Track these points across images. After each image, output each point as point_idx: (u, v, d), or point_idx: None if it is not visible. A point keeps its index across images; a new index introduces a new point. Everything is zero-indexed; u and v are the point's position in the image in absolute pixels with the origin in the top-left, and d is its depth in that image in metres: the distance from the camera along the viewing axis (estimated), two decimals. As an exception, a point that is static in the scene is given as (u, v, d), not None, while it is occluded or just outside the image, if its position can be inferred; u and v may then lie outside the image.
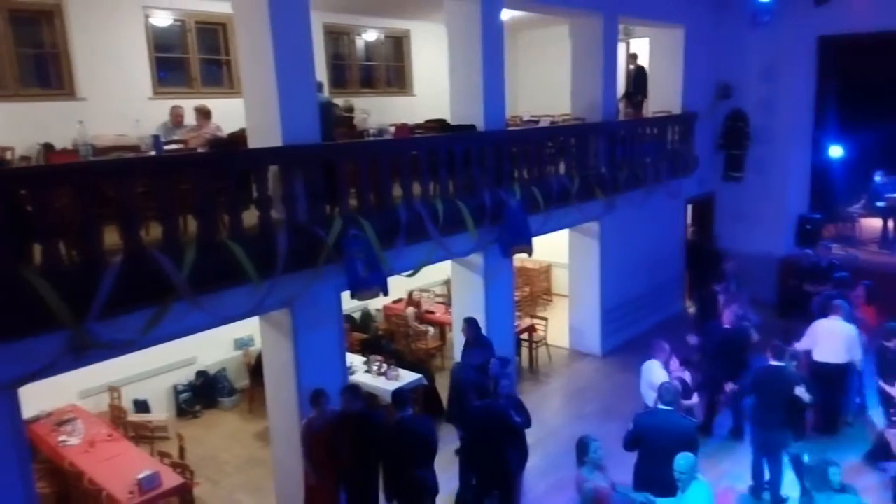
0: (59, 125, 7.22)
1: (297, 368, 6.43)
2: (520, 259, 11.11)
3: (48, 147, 6.58)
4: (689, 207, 13.71)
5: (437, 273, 11.37)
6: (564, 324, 11.50)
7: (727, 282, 10.01)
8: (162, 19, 8.88)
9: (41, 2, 7.75)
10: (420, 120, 9.20)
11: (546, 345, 11.00)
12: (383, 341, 10.42)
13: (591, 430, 7.54)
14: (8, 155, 6.50)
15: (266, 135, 6.09)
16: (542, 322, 10.97)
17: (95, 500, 6.28)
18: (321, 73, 8.26)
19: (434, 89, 11.38)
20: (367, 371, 8.88)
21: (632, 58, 12.51)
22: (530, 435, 6.74)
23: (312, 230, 6.01)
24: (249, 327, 8.71)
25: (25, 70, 7.86)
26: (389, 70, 12.31)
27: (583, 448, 5.48)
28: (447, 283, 11.78)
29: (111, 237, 4.92)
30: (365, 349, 9.84)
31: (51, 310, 4.31)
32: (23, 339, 4.34)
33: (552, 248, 11.47)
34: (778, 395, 6.59)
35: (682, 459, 5.01)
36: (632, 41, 13.31)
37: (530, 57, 14.26)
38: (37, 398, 7.01)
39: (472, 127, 8.17)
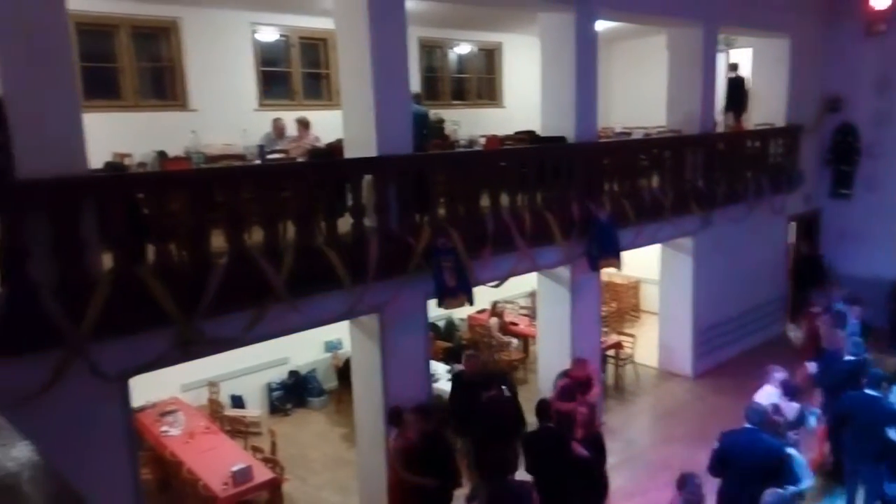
0: (172, 134, 7.74)
1: (383, 372, 6.56)
2: (608, 273, 10.88)
3: (162, 154, 7.08)
4: (793, 225, 13.00)
5: (522, 285, 11.30)
6: (653, 342, 11.15)
7: (833, 301, 9.39)
8: (268, 35, 9.36)
9: (160, 18, 8.34)
10: (510, 131, 9.23)
11: (633, 363, 10.70)
12: (467, 351, 10.46)
13: (681, 455, 7.30)
14: (126, 161, 7.03)
15: (362, 145, 6.29)
16: (630, 339, 10.69)
17: (193, 489, 6.63)
18: (415, 85, 8.45)
19: (524, 101, 11.37)
20: (449, 380, 8.93)
21: (731, 68, 12.04)
22: (614, 454, 6.56)
23: (403, 238, 6.15)
24: (339, 331, 8.97)
25: (144, 82, 8.50)
26: (480, 82, 12.42)
27: (682, 484, 5.29)
28: (532, 295, 11.69)
29: (217, 240, 5.23)
30: (448, 358, 9.91)
31: (162, 307, 4.62)
32: (136, 334, 4.67)
33: (642, 263, 11.17)
34: (871, 427, 6.12)
35: (769, 497, 4.75)
36: (732, 51, 12.81)
37: (624, 68, 14.00)
38: (143, 390, 7.50)
39: (562, 139, 8.11)
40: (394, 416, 6.27)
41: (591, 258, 8.07)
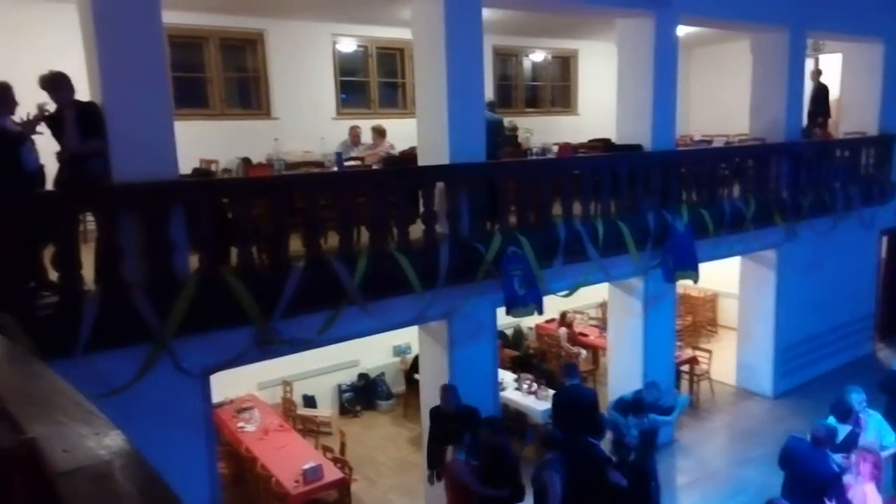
0: (255, 141, 8.08)
1: (451, 379, 6.59)
2: (683, 286, 10.54)
3: (246, 161, 7.38)
4: (885, 239, 12.22)
5: (592, 295, 11.11)
6: (731, 359, 10.71)
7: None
8: (347, 45, 9.62)
9: (247, 30, 8.73)
10: (584, 139, 9.11)
11: (709, 379, 10.32)
12: (535, 360, 10.38)
13: (757, 478, 6.97)
14: (213, 167, 7.38)
15: (435, 153, 6.37)
16: (706, 354, 10.31)
17: (266, 484, 6.85)
18: (489, 93, 8.51)
19: (599, 109, 11.22)
20: (517, 388, 8.88)
21: (815, 74, 11.48)
22: (686, 473, 6.35)
23: (473, 245, 6.18)
24: (407, 335, 9.08)
25: (230, 92, 8.90)
26: (555, 90, 12.33)
27: None
28: (603, 305, 11.48)
29: (295, 244, 5.41)
30: (516, 366, 9.86)
31: (242, 307, 4.82)
32: (218, 332, 4.89)
33: (720, 275, 10.76)
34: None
35: None
36: (821, 56, 12.21)
37: (704, 74, 13.58)
38: (222, 386, 7.82)
39: (637, 147, 7.95)
40: None
41: (667, 270, 7.85)
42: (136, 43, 4.56)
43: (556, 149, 8.40)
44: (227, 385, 7.98)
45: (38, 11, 6.88)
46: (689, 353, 10.25)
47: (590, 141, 8.70)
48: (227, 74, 8.81)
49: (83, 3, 4.68)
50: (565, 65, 12.37)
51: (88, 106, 4.62)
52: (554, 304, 10.02)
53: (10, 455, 1.63)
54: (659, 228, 7.65)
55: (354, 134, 8.62)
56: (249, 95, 9.06)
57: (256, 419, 7.99)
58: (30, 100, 4.67)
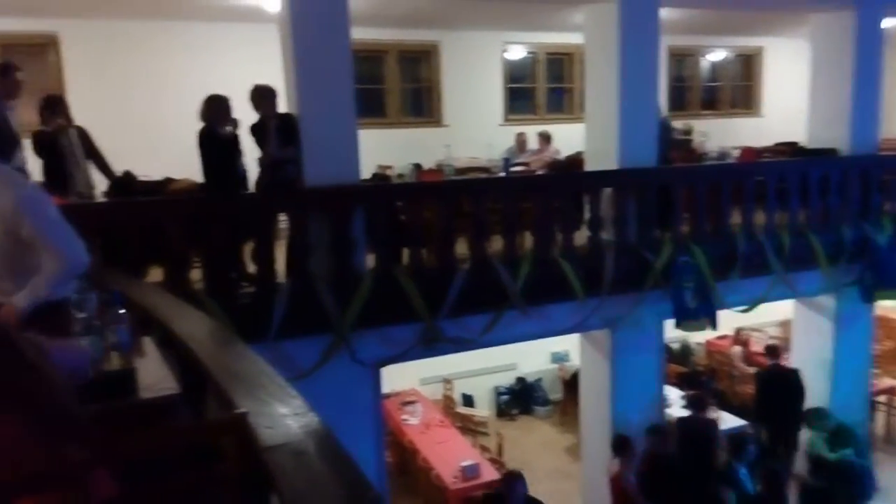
0: (427, 148, 8.43)
1: (612, 390, 6.43)
2: (883, 307, 9.37)
3: (418, 166, 7.75)
4: None
5: (773, 312, 10.22)
6: (942, 392, 9.33)
7: None
8: (516, 53, 9.74)
9: (424, 42, 9.16)
10: (768, 143, 8.44)
11: (912, 413, 9.08)
12: (704, 378, 9.77)
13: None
14: (388, 173, 7.83)
15: (603, 158, 6.25)
16: (909, 385, 9.08)
17: (426, 476, 7.13)
18: (662, 95, 8.17)
19: (786, 110, 10.32)
20: (683, 406, 8.41)
21: None
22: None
23: (641, 253, 5.98)
24: (567, 342, 8.98)
25: (405, 101, 9.38)
26: (735, 90, 11.53)
27: None
28: (784, 324, 10.51)
29: (461, 247, 5.58)
30: (682, 383, 9.34)
31: (413, 305, 5.07)
32: (389, 327, 5.19)
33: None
34: None
35: None
36: None
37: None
38: (388, 378, 8.25)
39: (832, 151, 7.21)
40: (619, 445, 6.08)
41: (865, 288, 7.04)
42: (328, 58, 4.99)
43: (736, 153, 7.86)
44: (392, 378, 8.41)
45: (241, 31, 7.70)
46: (887, 382, 9.09)
47: (776, 144, 8.05)
48: (404, 85, 9.29)
49: (284, 24, 5.20)
50: (748, 64, 11.52)
51: (287, 117, 5.13)
52: (728, 320, 9.38)
53: (224, 427, 1.87)
54: (856, 242, 6.88)
55: (521, 140, 8.70)
56: (422, 105, 9.49)
57: (419, 413, 8.33)
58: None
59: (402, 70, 9.20)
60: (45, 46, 7.36)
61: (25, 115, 5.22)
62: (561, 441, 9.20)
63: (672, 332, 6.89)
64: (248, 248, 5.04)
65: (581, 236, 5.99)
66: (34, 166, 5.15)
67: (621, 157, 6.11)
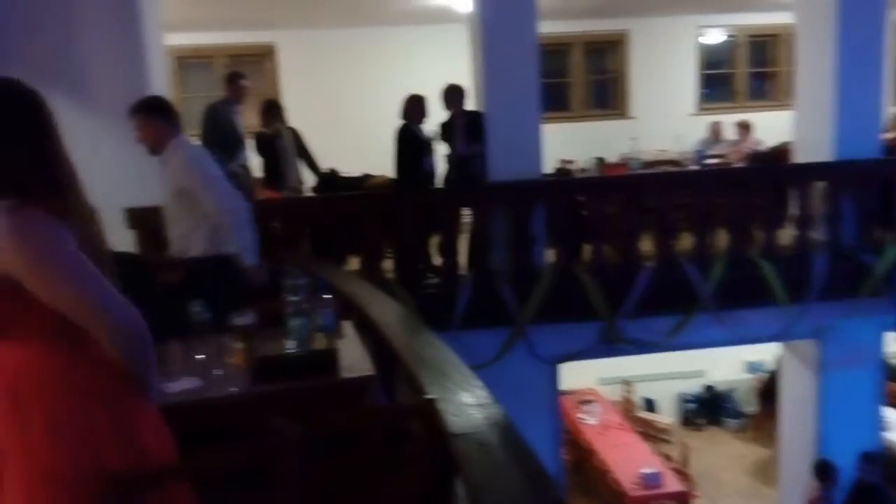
0: (611, 141, 8.19)
1: (818, 408, 5.78)
2: None
3: (601, 160, 7.56)
4: None
5: None
6: None
7: None
8: (714, 37, 9.10)
9: (611, 32, 8.89)
10: None
11: None
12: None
13: None
14: (570, 167, 7.73)
15: (814, 148, 5.63)
16: None
17: (602, 478, 6.97)
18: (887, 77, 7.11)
19: None
20: (906, 432, 7.35)
21: None
22: None
23: (858, 256, 5.30)
24: (764, 352, 8.26)
25: (589, 94, 9.18)
26: None
27: None
28: None
29: (645, 244, 5.35)
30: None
31: (593, 303, 4.97)
32: (567, 324, 5.11)
33: None
34: None
35: None
36: None
37: None
38: (565, 375, 8.16)
39: None
40: (822, 471, 5.47)
41: None
42: (515, 54, 5.03)
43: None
44: (570, 375, 8.31)
45: (433, 32, 8.02)
46: None
47: None
48: (589, 77, 9.11)
49: (473, 22, 5.34)
50: None
51: (475, 114, 5.28)
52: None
53: (414, 410, 1.97)
54: None
55: (715, 129, 8.13)
56: (607, 96, 9.23)
57: (597, 413, 8.15)
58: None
59: (587, 62, 9.02)
60: (263, 56, 8.28)
61: (248, 118, 5.90)
62: (752, 458, 8.48)
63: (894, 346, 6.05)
64: (434, 241, 5.28)
65: (784, 235, 5.46)
66: (255, 164, 5.83)
67: (837, 147, 5.46)
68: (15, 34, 4.33)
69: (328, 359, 2.19)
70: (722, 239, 5.47)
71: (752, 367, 9.50)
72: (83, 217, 1.46)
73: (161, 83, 4.82)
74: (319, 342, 2.40)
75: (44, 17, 4.34)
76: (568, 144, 8.18)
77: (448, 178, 5.43)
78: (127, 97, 3.14)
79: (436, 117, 5.57)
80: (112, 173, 3.33)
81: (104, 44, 4.44)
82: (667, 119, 8.78)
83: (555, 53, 8.87)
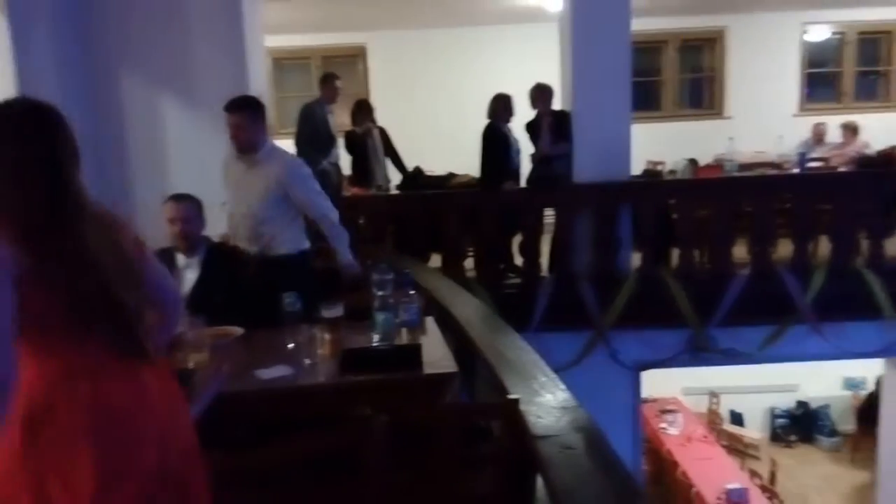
0: (704, 142, 7.88)
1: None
2: None
3: (693, 162, 7.28)
4: None
5: None
6: None
7: None
8: (819, 34, 8.60)
9: (708, 29, 8.55)
10: None
11: None
12: None
13: None
14: (659, 168, 7.49)
15: (932, 153, 5.23)
16: None
17: (684, 492, 6.73)
18: None
19: None
20: None
21: None
22: None
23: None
24: (865, 368, 7.74)
25: (682, 93, 8.87)
26: None
27: None
28: None
29: (738, 250, 5.12)
30: None
31: (680, 310, 4.80)
32: (652, 330, 4.97)
33: None
34: None
35: None
36: None
37: None
38: (647, 383, 7.93)
39: None
40: None
41: None
42: (606, 53, 4.93)
43: None
44: (652, 383, 8.08)
45: (521, 31, 7.96)
46: None
47: None
48: (682, 76, 8.81)
49: (564, 21, 5.27)
50: None
51: (561, 114, 5.21)
52: None
53: (497, 410, 1.98)
54: None
55: (818, 131, 7.67)
56: (702, 95, 8.90)
57: (680, 424, 7.90)
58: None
59: (681, 60, 8.72)
60: (355, 57, 8.48)
61: (339, 117, 6.06)
62: (847, 480, 7.98)
63: None
64: (516, 241, 5.25)
65: (892, 245, 5.10)
66: (345, 162, 6.00)
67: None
68: (137, 41, 4.69)
69: (413, 354, 2.22)
70: (824, 247, 5.18)
71: (851, 384, 8.94)
72: (69, 261, 1.36)
73: (261, 83, 5.04)
74: (403, 337, 2.45)
75: (163, 26, 4.66)
76: (657, 145, 7.92)
77: (531, 178, 5.39)
78: (231, 97, 3.29)
79: (523, 116, 5.53)
80: (217, 169, 3.49)
81: (213, 47, 4.70)
82: (766, 119, 8.37)
83: (647, 51, 8.63)
